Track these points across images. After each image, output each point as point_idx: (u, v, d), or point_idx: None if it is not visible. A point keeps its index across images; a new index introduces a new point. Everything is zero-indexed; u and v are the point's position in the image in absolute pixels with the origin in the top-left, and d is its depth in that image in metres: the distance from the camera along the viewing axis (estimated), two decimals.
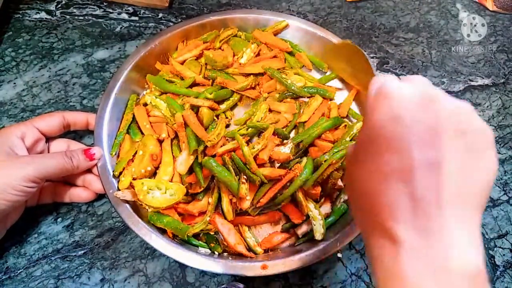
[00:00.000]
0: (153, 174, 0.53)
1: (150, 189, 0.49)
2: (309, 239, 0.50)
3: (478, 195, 0.25)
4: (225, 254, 0.49)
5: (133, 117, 0.57)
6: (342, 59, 0.42)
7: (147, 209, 0.50)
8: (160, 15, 0.73)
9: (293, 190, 0.50)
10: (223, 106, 0.59)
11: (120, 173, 0.51)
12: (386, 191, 0.25)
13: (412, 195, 0.24)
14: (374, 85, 0.29)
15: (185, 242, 0.49)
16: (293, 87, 0.60)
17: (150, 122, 0.56)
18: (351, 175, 0.30)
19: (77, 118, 0.52)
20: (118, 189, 0.49)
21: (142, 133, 0.55)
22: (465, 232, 0.24)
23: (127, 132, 0.55)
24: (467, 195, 0.24)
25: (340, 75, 0.60)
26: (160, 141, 0.54)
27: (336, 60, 0.44)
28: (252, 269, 0.45)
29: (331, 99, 0.62)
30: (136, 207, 0.50)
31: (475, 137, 0.25)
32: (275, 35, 0.66)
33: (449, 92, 0.69)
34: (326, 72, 0.65)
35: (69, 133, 0.55)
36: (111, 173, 0.50)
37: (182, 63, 0.61)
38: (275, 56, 0.63)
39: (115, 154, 0.53)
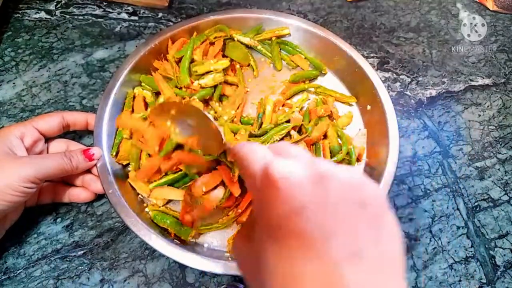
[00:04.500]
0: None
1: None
2: None
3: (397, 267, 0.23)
4: (226, 254, 0.49)
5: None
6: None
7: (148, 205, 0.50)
8: (160, 14, 0.73)
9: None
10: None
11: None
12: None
13: None
14: (256, 162, 0.27)
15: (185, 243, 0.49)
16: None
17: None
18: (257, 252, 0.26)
19: (77, 118, 0.52)
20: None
21: None
22: None
23: None
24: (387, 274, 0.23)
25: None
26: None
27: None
28: None
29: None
30: (136, 207, 0.49)
31: (375, 208, 0.24)
32: None
33: (449, 92, 0.69)
34: (325, 74, 0.65)
35: (68, 133, 0.55)
36: (111, 174, 0.50)
37: (179, 61, 0.60)
38: None
39: (115, 154, 0.52)
